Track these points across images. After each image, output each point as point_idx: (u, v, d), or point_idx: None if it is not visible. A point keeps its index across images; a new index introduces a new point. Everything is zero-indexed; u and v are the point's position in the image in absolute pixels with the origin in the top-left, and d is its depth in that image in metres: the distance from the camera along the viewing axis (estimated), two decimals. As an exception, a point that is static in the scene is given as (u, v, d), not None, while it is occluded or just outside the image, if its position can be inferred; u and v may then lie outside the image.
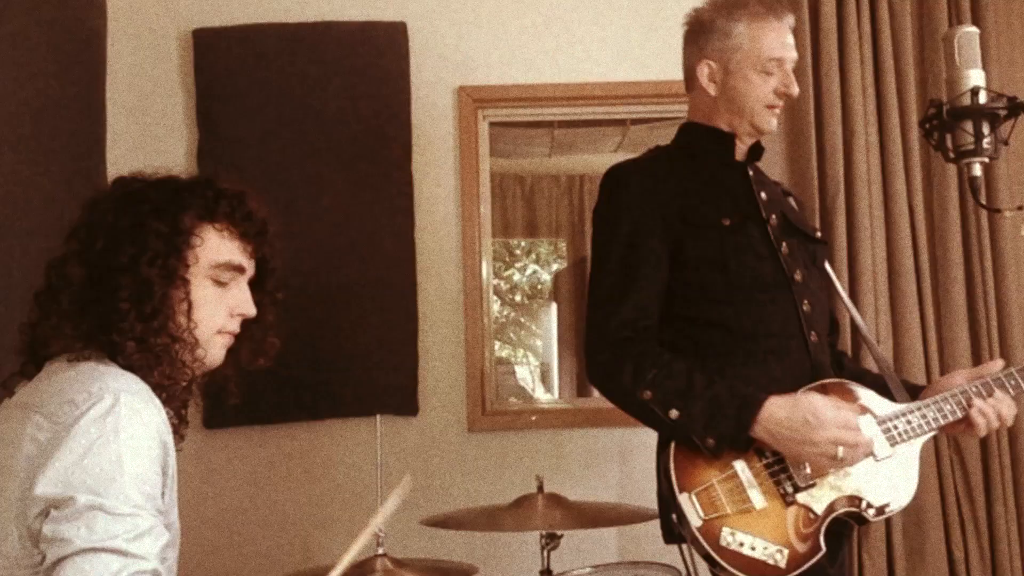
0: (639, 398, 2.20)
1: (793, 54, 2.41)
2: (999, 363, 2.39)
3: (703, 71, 2.41)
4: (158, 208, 1.70)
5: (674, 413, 2.16)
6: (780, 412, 2.15)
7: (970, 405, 2.29)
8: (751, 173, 2.45)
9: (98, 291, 1.65)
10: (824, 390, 2.29)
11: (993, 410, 2.29)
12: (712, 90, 2.41)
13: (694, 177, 2.41)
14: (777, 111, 2.42)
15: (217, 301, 1.76)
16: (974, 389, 2.31)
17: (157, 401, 1.63)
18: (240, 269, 1.79)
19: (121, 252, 1.66)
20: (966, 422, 2.31)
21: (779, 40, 2.38)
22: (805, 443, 2.13)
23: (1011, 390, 2.32)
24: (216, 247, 1.75)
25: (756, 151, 2.47)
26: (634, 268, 2.30)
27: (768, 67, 2.36)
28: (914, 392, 2.41)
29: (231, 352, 1.83)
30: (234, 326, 1.80)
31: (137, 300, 1.64)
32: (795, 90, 2.40)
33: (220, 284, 1.76)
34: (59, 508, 1.44)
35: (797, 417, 2.14)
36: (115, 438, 1.49)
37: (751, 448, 2.18)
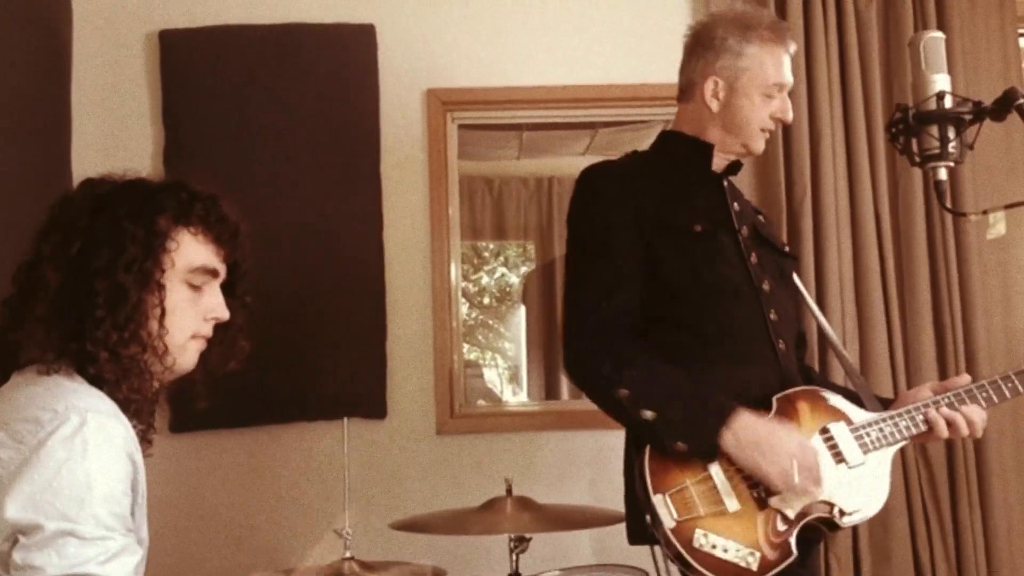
0: (615, 394, 2.20)
1: (792, 81, 2.47)
2: (966, 377, 2.41)
3: (709, 86, 2.43)
4: (133, 211, 1.68)
5: (648, 414, 2.16)
6: (751, 421, 2.17)
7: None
8: (725, 184, 2.46)
9: (74, 296, 1.62)
10: (795, 398, 2.31)
11: (962, 416, 2.31)
12: (715, 106, 2.43)
13: (669, 183, 2.42)
14: (767, 135, 2.47)
15: (191, 305, 1.74)
16: (946, 400, 2.33)
17: (124, 418, 1.61)
18: (214, 273, 1.78)
19: (97, 256, 1.63)
20: (930, 426, 2.33)
21: (785, 66, 2.43)
22: (768, 455, 2.13)
23: (983, 402, 2.35)
24: (191, 251, 1.73)
25: (732, 167, 2.48)
26: (615, 267, 2.31)
27: (771, 91, 2.41)
28: (884, 405, 2.42)
29: (200, 356, 1.81)
30: (208, 330, 1.78)
31: (112, 306, 1.61)
32: (790, 116, 2.47)
33: (194, 288, 1.74)
34: (27, 535, 1.43)
35: (764, 429, 2.17)
36: (83, 459, 1.47)
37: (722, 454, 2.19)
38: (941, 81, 2.30)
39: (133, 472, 1.58)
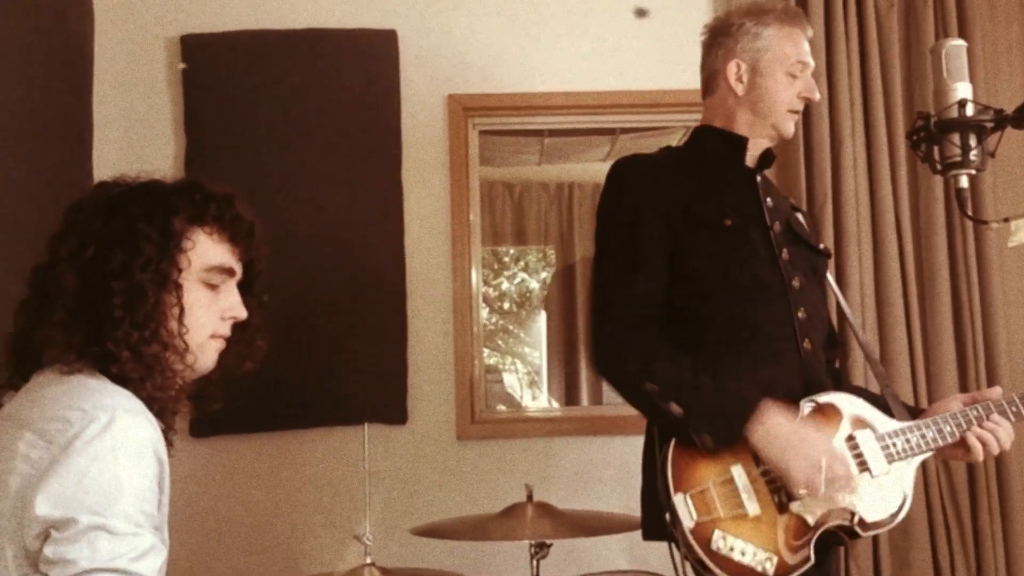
0: (642, 389, 2.21)
1: (813, 63, 2.47)
2: (997, 390, 2.39)
3: (732, 70, 2.43)
4: (147, 212, 1.68)
5: (676, 408, 2.16)
6: (784, 419, 2.17)
7: (969, 428, 2.30)
8: (759, 179, 2.46)
9: (91, 298, 1.62)
10: (823, 403, 2.29)
11: (992, 435, 2.29)
12: (740, 90, 2.43)
13: (700, 178, 2.42)
14: (796, 117, 2.47)
15: (208, 305, 1.74)
16: (974, 413, 2.31)
17: (151, 415, 1.61)
18: (230, 272, 1.78)
19: (113, 258, 1.63)
20: (963, 446, 2.31)
21: (804, 47, 2.44)
22: (799, 455, 2.12)
23: (1011, 416, 2.32)
24: (207, 250, 1.73)
25: (766, 161, 2.48)
26: (641, 257, 2.31)
27: (794, 70, 2.42)
28: (913, 414, 2.40)
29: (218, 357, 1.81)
30: (226, 330, 1.78)
31: (130, 307, 1.62)
32: (817, 95, 2.48)
33: (211, 288, 1.74)
34: (60, 529, 1.43)
35: (797, 430, 2.16)
36: (113, 457, 1.48)
37: (749, 453, 2.18)
38: (962, 89, 2.30)
39: (160, 470, 1.59)
